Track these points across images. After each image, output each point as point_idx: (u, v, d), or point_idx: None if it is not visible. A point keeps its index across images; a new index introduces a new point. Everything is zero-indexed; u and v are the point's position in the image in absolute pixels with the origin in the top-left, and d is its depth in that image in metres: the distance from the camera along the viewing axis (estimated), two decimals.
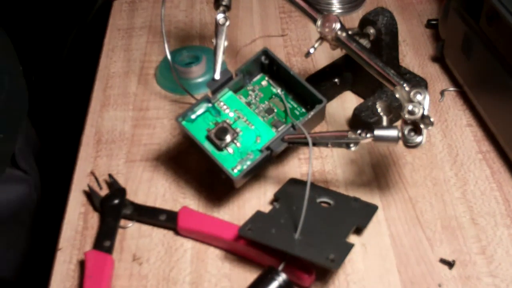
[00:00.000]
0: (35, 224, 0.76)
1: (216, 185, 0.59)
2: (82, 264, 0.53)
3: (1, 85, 0.66)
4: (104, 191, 0.59)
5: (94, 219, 0.57)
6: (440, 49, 0.71)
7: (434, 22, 0.76)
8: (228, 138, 0.55)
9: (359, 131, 0.51)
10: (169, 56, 0.63)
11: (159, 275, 0.52)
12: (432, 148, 0.62)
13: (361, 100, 0.67)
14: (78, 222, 0.57)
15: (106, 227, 0.55)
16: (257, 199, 0.58)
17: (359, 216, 0.54)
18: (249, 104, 0.59)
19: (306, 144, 0.53)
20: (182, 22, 0.81)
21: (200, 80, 0.69)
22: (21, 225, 0.75)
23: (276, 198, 0.57)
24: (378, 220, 0.55)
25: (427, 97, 0.51)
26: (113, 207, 0.57)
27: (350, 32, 0.58)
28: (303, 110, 0.59)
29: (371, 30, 0.61)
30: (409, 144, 0.50)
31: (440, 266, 0.52)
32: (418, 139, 0.50)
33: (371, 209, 0.55)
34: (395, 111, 0.58)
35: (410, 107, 0.50)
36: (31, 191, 0.75)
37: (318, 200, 0.56)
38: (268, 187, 0.59)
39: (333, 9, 0.80)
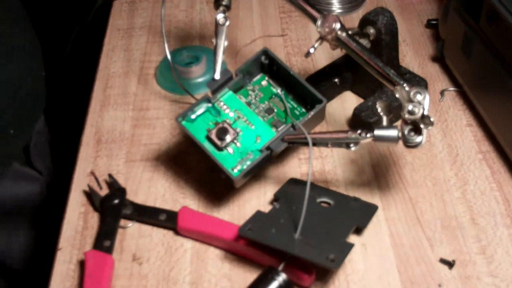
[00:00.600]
0: (42, 221, 0.77)
1: (216, 185, 0.59)
2: (82, 264, 0.53)
3: (23, 84, 0.67)
4: (104, 191, 0.59)
5: (94, 219, 0.57)
6: (440, 49, 0.71)
7: (434, 22, 0.76)
8: (228, 138, 0.55)
9: (359, 131, 0.51)
10: (169, 56, 0.63)
11: (159, 275, 0.52)
12: (432, 148, 0.62)
13: (361, 100, 0.67)
14: (78, 222, 0.57)
15: (106, 227, 0.55)
16: (257, 199, 0.58)
17: (359, 216, 0.54)
18: (249, 104, 0.59)
19: (306, 144, 0.53)
20: (182, 22, 0.81)
21: (200, 80, 0.69)
22: (26, 221, 0.75)
23: (276, 198, 0.57)
24: (378, 220, 0.55)
25: (427, 97, 0.51)
26: (113, 207, 0.57)
27: (350, 32, 0.58)
28: (303, 110, 0.59)
29: (371, 30, 0.61)
30: (409, 144, 0.50)
31: (440, 266, 0.52)
32: (418, 139, 0.50)
33: (371, 209, 0.55)
34: (395, 111, 0.58)
35: (410, 107, 0.50)
36: (43, 190, 0.75)
37: (318, 200, 0.56)
38: (268, 187, 0.59)
39: (333, 9, 0.80)
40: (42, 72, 0.73)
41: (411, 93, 0.51)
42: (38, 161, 0.74)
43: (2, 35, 0.65)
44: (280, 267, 0.49)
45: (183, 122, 0.56)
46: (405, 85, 0.52)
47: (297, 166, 0.61)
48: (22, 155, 0.72)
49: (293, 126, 0.56)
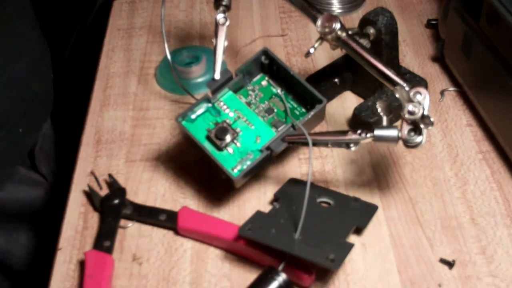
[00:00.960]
0: (44, 223, 0.77)
1: (216, 185, 0.59)
2: (82, 264, 0.53)
3: (31, 84, 0.67)
4: (104, 191, 0.59)
5: (94, 219, 0.57)
6: (440, 49, 0.71)
7: (434, 22, 0.76)
8: (228, 138, 0.55)
9: (359, 131, 0.51)
10: (169, 56, 0.63)
11: (159, 275, 0.52)
12: (432, 148, 0.62)
13: (361, 100, 0.67)
14: (78, 222, 0.57)
15: (106, 227, 0.55)
16: (257, 199, 0.58)
17: (359, 216, 0.54)
18: (249, 104, 0.59)
19: (306, 144, 0.53)
20: (182, 22, 0.81)
21: (200, 80, 0.69)
22: (28, 222, 0.75)
23: (276, 198, 0.57)
24: (378, 220, 0.55)
25: (427, 97, 0.51)
26: (113, 207, 0.57)
27: (350, 32, 0.58)
28: (303, 110, 0.59)
29: (371, 30, 0.61)
30: (409, 144, 0.50)
31: (440, 266, 0.52)
32: (418, 139, 0.50)
33: (371, 209, 0.55)
34: (395, 111, 0.58)
35: (410, 107, 0.50)
36: (46, 195, 0.75)
37: (318, 200, 0.56)
38: (268, 187, 0.59)
39: (333, 9, 0.80)
40: (50, 74, 0.73)
41: (411, 93, 0.51)
42: (43, 166, 0.74)
43: (13, 34, 0.65)
44: (280, 267, 0.49)
45: (183, 122, 0.56)
46: (405, 85, 0.52)
47: (297, 166, 0.61)
48: (27, 160, 0.71)
49: (293, 126, 0.56)
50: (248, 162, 0.54)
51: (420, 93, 0.51)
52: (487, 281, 0.51)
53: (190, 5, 0.83)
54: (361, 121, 0.63)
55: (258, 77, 0.61)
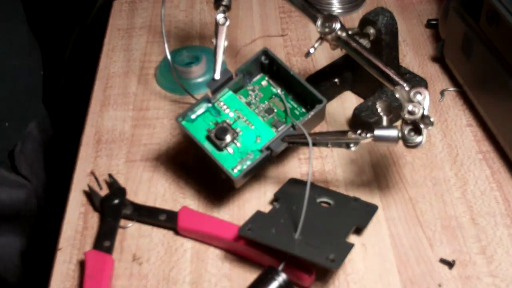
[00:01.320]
0: (35, 226, 0.76)
1: (216, 185, 0.59)
2: (82, 264, 0.53)
3: (20, 80, 0.67)
4: (104, 191, 0.59)
5: (94, 219, 0.57)
6: (440, 49, 0.71)
7: (434, 22, 0.76)
8: (228, 138, 0.55)
9: (359, 131, 0.51)
10: (169, 56, 0.63)
11: (159, 275, 0.52)
12: (432, 148, 0.62)
13: (361, 100, 0.67)
14: (78, 222, 0.57)
15: (106, 227, 0.55)
16: (257, 199, 0.58)
17: (359, 216, 0.54)
18: (249, 104, 0.59)
19: (306, 144, 0.53)
20: (182, 22, 0.81)
21: (200, 80, 0.69)
22: (17, 227, 0.74)
23: (276, 198, 0.57)
24: (378, 220, 0.55)
25: (427, 97, 0.51)
26: (113, 207, 0.57)
27: (350, 32, 0.58)
28: (303, 110, 0.59)
29: (371, 30, 0.61)
30: (409, 144, 0.50)
31: (440, 266, 0.52)
32: (418, 139, 0.50)
33: (371, 209, 0.55)
34: (395, 111, 0.58)
35: (410, 107, 0.50)
36: (30, 197, 0.73)
37: (318, 200, 0.56)
38: (268, 187, 0.59)
39: (333, 9, 0.80)
40: (40, 70, 0.73)
41: (411, 93, 0.51)
42: (24, 167, 0.72)
43: (6, 29, 0.65)
44: (280, 267, 0.49)
45: (183, 122, 0.56)
46: (405, 85, 0.52)
47: (297, 166, 0.61)
48: (7, 160, 0.70)
49: (293, 126, 0.56)
50: (248, 162, 0.54)
51: (420, 93, 0.51)
52: (487, 281, 0.51)
53: (190, 5, 0.83)
54: (361, 121, 0.63)
55: (258, 77, 0.61)
